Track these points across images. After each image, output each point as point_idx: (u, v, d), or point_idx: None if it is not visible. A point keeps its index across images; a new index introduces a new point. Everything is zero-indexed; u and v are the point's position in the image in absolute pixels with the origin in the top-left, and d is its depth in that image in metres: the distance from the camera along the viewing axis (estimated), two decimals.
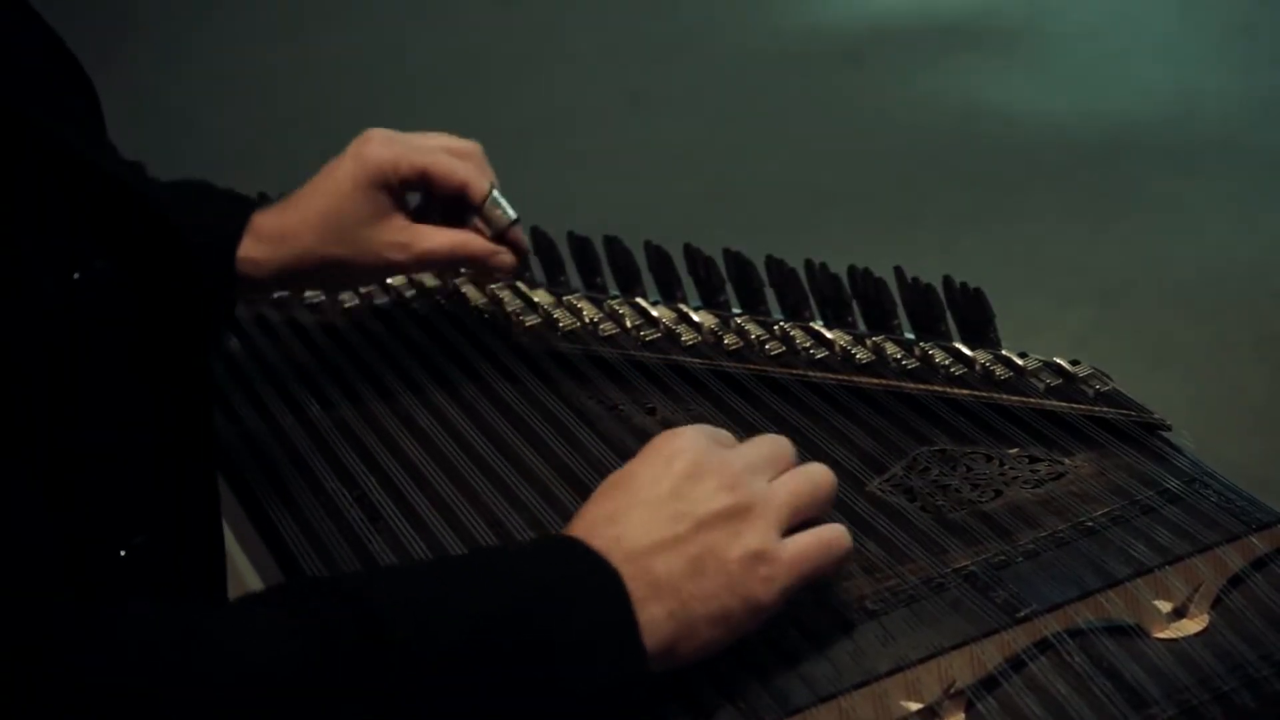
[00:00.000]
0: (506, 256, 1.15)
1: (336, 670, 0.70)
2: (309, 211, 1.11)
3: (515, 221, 1.15)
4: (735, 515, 0.80)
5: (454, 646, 0.72)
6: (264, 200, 1.17)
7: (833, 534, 0.83)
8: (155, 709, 0.67)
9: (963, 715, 0.81)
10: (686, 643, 0.78)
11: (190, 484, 0.92)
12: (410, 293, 1.29)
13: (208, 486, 0.93)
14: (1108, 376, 1.04)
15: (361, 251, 1.12)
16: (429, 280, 1.30)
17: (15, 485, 0.72)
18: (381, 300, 1.29)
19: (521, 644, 0.74)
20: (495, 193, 1.13)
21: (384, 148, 1.11)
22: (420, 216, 1.15)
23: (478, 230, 1.15)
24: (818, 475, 0.85)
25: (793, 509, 0.83)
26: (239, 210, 1.13)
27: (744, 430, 1.05)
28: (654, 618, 0.77)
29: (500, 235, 1.14)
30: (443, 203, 1.15)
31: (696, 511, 0.80)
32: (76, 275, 0.83)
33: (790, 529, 0.82)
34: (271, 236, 1.11)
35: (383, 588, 0.75)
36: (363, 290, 1.30)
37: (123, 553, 0.84)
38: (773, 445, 0.87)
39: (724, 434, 0.87)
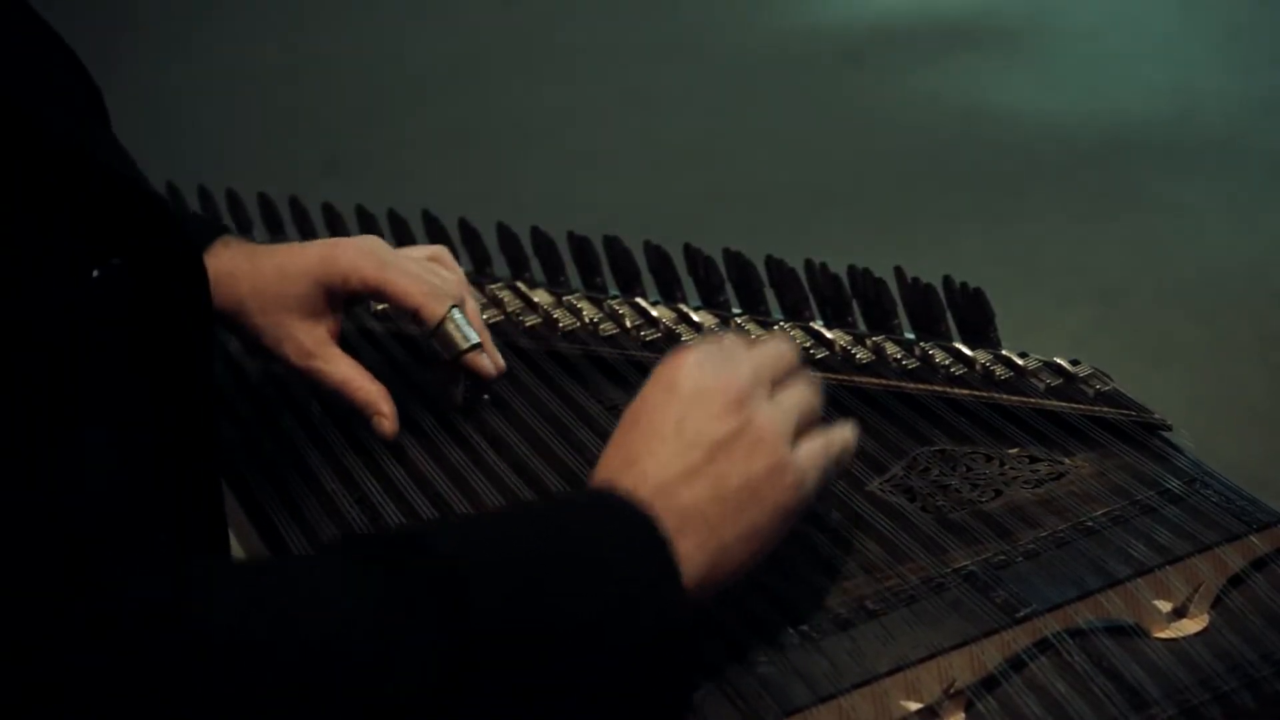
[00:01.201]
0: (385, 424, 1.10)
1: (414, 621, 0.70)
2: (260, 272, 1.10)
3: (473, 347, 1.10)
4: (745, 433, 0.82)
5: (517, 592, 0.73)
6: (233, 231, 1.16)
7: (840, 434, 0.88)
8: (264, 657, 0.67)
9: (963, 715, 0.81)
10: (723, 567, 0.80)
11: (193, 486, 0.92)
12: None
13: (210, 489, 0.93)
14: (1108, 376, 1.04)
15: (275, 333, 1.10)
16: None
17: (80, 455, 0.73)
18: (382, 303, 1.29)
19: (577, 592, 0.75)
20: (457, 316, 1.09)
21: (352, 254, 1.10)
22: None
23: (439, 348, 1.11)
24: (815, 389, 0.89)
25: (798, 419, 0.85)
26: (208, 230, 1.13)
27: None
28: (687, 551, 0.78)
29: (455, 360, 1.10)
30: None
31: (707, 437, 0.81)
32: (95, 273, 0.83)
33: (798, 436, 0.85)
34: (220, 271, 1.09)
35: (452, 540, 0.75)
36: None
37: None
38: (775, 352, 0.89)
39: (731, 341, 0.89)
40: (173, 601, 0.67)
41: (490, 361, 1.11)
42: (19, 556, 0.66)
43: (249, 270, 1.10)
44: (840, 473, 0.90)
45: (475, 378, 1.11)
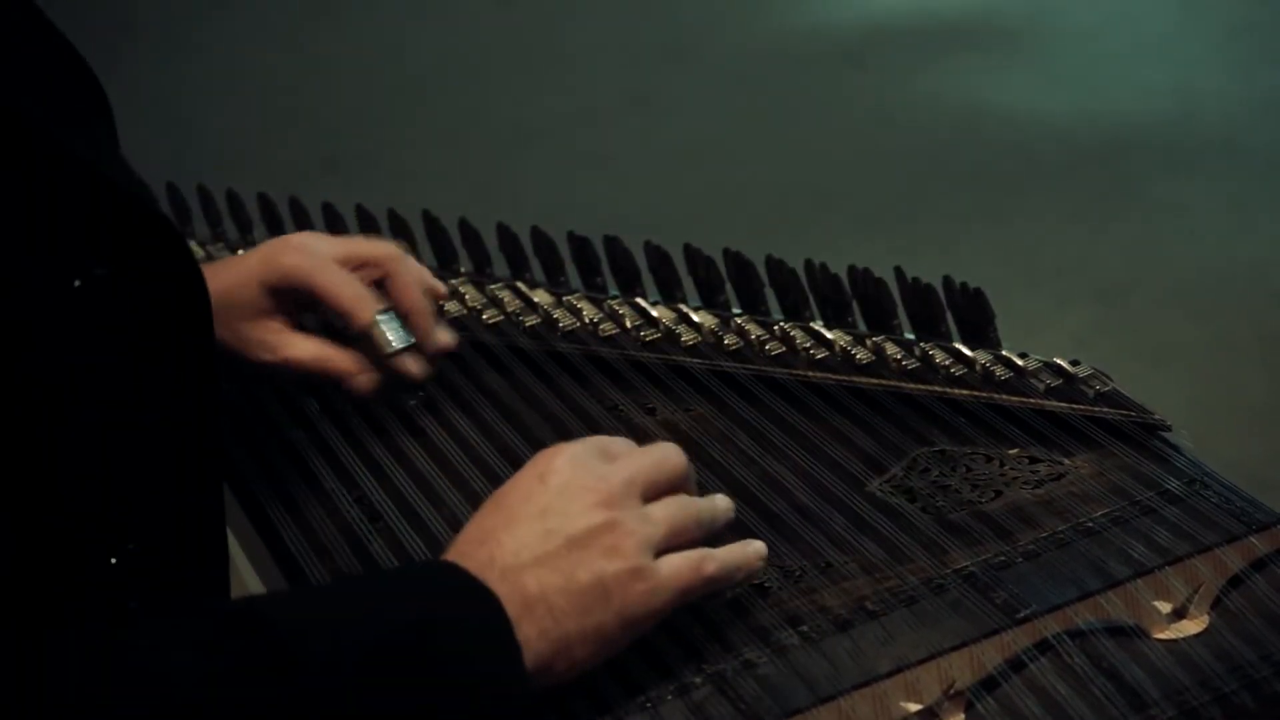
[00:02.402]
0: (363, 380, 1.11)
1: (249, 692, 0.72)
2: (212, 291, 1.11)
3: (398, 351, 1.10)
4: (607, 532, 0.81)
5: (355, 665, 0.74)
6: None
7: (703, 557, 0.84)
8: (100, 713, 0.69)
9: (962, 716, 0.81)
10: (562, 660, 0.80)
11: (193, 491, 0.91)
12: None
13: (212, 493, 0.93)
14: (1108, 377, 1.04)
15: (235, 341, 1.10)
16: None
17: None
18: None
19: (413, 666, 0.75)
20: (382, 320, 1.10)
21: (292, 255, 1.10)
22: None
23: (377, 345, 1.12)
24: (698, 506, 0.86)
25: (666, 533, 0.84)
26: None
27: (744, 431, 1.05)
28: (528, 636, 0.78)
29: (385, 362, 1.11)
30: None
31: (567, 529, 0.81)
32: (77, 283, 0.82)
33: (667, 550, 0.83)
34: None
35: (289, 612, 0.77)
36: None
37: (113, 560, 0.83)
38: (658, 460, 0.87)
39: (615, 444, 0.88)
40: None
41: (414, 365, 1.11)
42: None
43: None
44: (740, 584, 0.87)
45: (402, 382, 1.12)
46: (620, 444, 0.88)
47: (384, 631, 0.76)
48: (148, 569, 0.85)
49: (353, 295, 1.10)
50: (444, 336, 1.13)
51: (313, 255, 1.11)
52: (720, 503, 0.88)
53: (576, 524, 0.81)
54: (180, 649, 0.73)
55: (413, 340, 1.11)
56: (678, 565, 0.83)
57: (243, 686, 0.72)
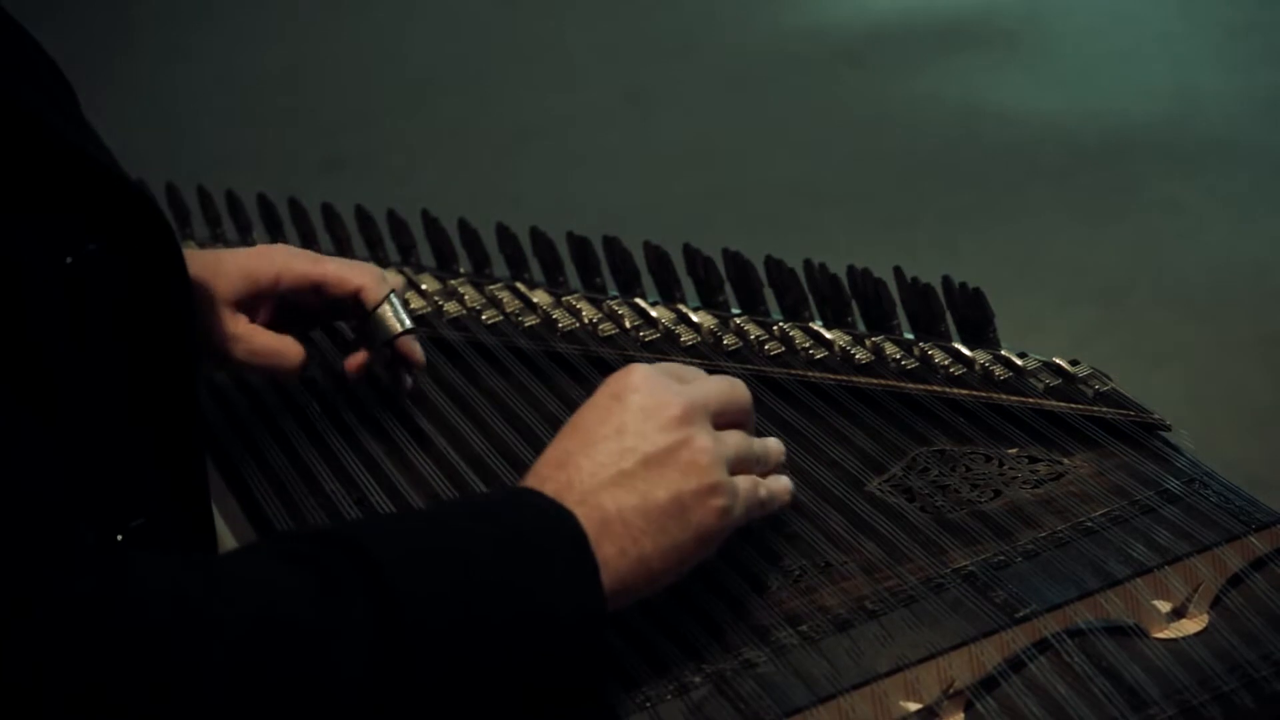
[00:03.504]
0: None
1: (340, 614, 0.71)
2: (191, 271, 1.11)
3: (406, 332, 1.11)
4: (683, 448, 0.83)
5: (442, 588, 0.74)
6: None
7: (756, 481, 0.88)
8: (172, 649, 0.68)
9: (962, 715, 0.81)
10: (641, 577, 0.81)
11: (181, 467, 0.92)
12: (408, 293, 1.29)
13: (197, 469, 0.94)
14: (1107, 376, 1.04)
15: (206, 330, 1.09)
16: (427, 283, 1.30)
17: (23, 446, 0.73)
18: None
19: (499, 593, 0.76)
20: (395, 300, 1.11)
21: (285, 256, 1.11)
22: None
23: (372, 335, 1.12)
24: (757, 442, 0.90)
25: (736, 456, 0.86)
26: None
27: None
28: (607, 556, 0.79)
29: (389, 343, 1.11)
30: (336, 310, 1.14)
31: (644, 447, 0.82)
32: (69, 259, 0.83)
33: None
34: None
35: (378, 536, 0.76)
36: None
37: (120, 537, 0.84)
38: (727, 390, 0.89)
39: (685, 369, 0.90)
40: (95, 593, 0.68)
41: (420, 348, 1.13)
42: None
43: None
44: (765, 517, 0.90)
45: (405, 365, 1.13)
46: (690, 370, 0.90)
47: (472, 563, 0.76)
48: (151, 545, 0.85)
49: (364, 274, 1.11)
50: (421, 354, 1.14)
51: (306, 254, 1.12)
52: (773, 445, 0.92)
53: (654, 441, 0.82)
54: (277, 561, 0.74)
55: (414, 326, 1.12)
56: (745, 484, 0.86)
57: (340, 612, 0.71)
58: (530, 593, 0.76)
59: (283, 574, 0.73)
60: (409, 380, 1.14)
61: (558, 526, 0.79)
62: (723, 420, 0.87)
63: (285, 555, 0.74)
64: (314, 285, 1.11)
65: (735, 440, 0.87)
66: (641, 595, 0.82)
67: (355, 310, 1.12)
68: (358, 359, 1.14)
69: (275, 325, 1.11)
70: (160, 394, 0.90)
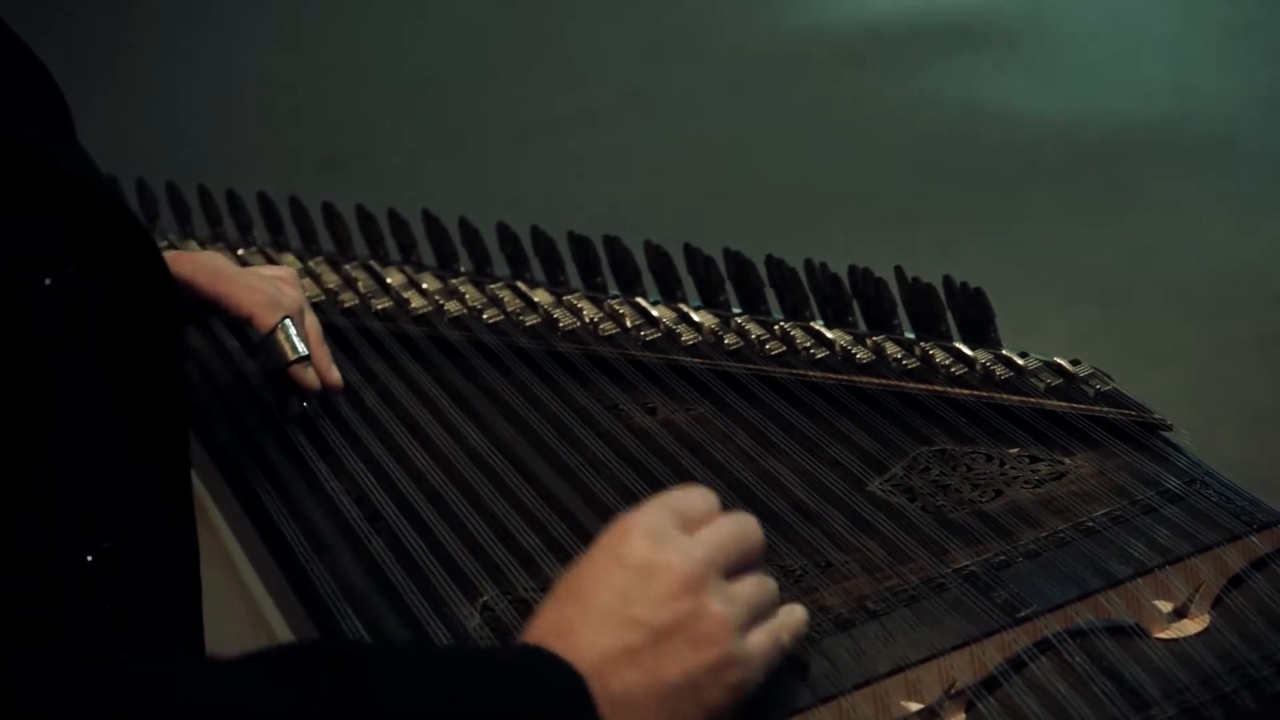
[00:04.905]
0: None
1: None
2: None
3: (299, 360, 1.09)
4: (693, 620, 0.76)
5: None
6: None
7: (777, 628, 0.80)
8: None
9: (963, 715, 0.81)
10: None
11: (162, 489, 0.91)
12: (408, 293, 1.29)
13: (180, 491, 0.93)
14: (1108, 376, 1.04)
15: None
16: (428, 282, 1.30)
17: None
18: (382, 302, 1.29)
19: None
20: (288, 327, 1.09)
21: (188, 268, 1.09)
22: None
23: (263, 361, 1.11)
24: (774, 586, 0.82)
25: (750, 613, 0.79)
26: None
27: (744, 430, 1.05)
28: None
29: (279, 371, 1.10)
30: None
31: (651, 620, 0.75)
32: (48, 281, 0.82)
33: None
34: None
35: (379, 659, 0.73)
36: (362, 290, 1.30)
37: (89, 558, 0.83)
38: (739, 535, 0.81)
39: (690, 503, 0.81)
40: None
41: (314, 375, 1.10)
42: None
43: None
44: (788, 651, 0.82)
45: (298, 392, 1.11)
46: (695, 501, 0.82)
47: (474, 698, 0.73)
48: (124, 568, 0.84)
49: (255, 302, 1.09)
50: (335, 376, 1.12)
51: (210, 268, 1.10)
52: (798, 611, 0.83)
53: (661, 614, 0.75)
54: (252, 684, 0.71)
55: (308, 352, 1.10)
56: (762, 642, 0.79)
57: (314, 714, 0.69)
58: None
59: (263, 687, 0.70)
60: (298, 406, 1.12)
61: (570, 690, 0.74)
62: (734, 570, 0.80)
63: (275, 668, 0.71)
64: (210, 302, 1.09)
65: (748, 593, 0.79)
66: None
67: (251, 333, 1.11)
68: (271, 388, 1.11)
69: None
70: (143, 415, 0.88)
